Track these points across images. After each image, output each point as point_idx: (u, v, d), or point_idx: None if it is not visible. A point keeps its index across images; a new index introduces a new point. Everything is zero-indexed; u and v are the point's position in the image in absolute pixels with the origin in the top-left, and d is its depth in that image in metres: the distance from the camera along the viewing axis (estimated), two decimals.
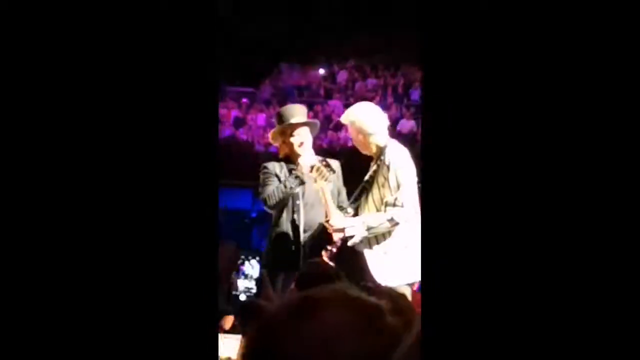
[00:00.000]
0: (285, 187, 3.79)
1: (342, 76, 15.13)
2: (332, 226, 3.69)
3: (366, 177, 3.80)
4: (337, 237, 3.75)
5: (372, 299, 1.13)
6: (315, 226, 3.90)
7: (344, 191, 4.01)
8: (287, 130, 3.91)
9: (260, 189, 3.92)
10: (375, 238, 3.69)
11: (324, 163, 3.72)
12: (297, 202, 3.87)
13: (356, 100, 12.13)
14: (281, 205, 3.84)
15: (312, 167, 3.70)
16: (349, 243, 3.68)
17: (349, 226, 3.64)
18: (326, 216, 3.83)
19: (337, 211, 3.79)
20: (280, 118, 3.98)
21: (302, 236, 3.87)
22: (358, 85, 14.57)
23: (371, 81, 14.62)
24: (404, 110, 13.25)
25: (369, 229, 3.64)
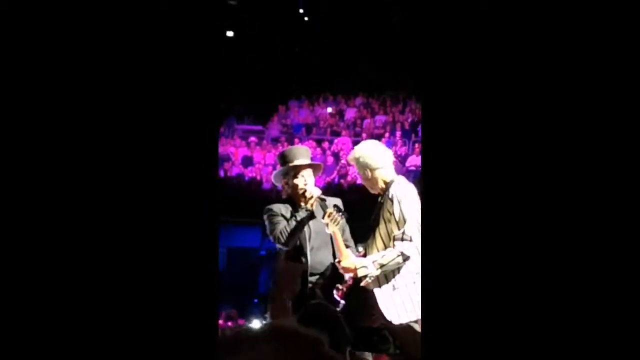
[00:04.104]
0: (296, 220, 3.78)
1: (351, 113, 15.19)
2: (343, 267, 3.67)
3: (373, 215, 3.79)
4: (347, 276, 3.73)
5: (311, 331, 1.17)
6: (321, 269, 3.88)
7: (347, 229, 3.98)
8: (291, 172, 3.90)
9: (268, 230, 3.90)
10: (384, 275, 3.64)
11: (335, 208, 3.76)
12: (305, 244, 3.85)
13: (365, 138, 12.26)
14: (293, 242, 3.81)
15: (324, 214, 3.73)
16: (362, 284, 3.65)
17: (360, 266, 3.59)
18: (334, 257, 3.84)
19: (349, 252, 3.75)
20: (284, 159, 3.96)
21: (309, 279, 3.83)
22: (366, 122, 14.61)
23: (380, 118, 14.67)
24: (412, 146, 13.25)
25: (380, 266, 3.59)
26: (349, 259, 3.67)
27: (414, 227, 3.56)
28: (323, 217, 3.73)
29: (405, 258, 3.57)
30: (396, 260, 3.56)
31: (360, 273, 3.59)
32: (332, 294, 3.74)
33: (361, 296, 3.69)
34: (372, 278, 3.62)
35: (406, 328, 3.56)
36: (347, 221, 3.90)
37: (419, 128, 13.97)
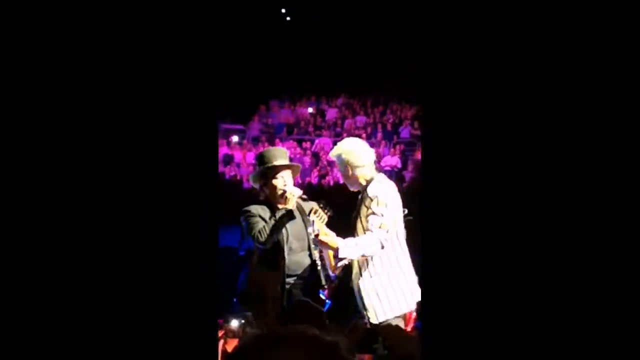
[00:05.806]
0: (275, 219, 3.78)
1: (332, 114, 15.20)
2: (322, 242, 3.64)
3: (354, 212, 3.80)
4: (333, 275, 3.80)
5: (329, 337, 1.16)
6: (299, 270, 3.90)
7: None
8: (269, 172, 3.90)
9: (246, 230, 3.89)
10: (363, 272, 3.68)
11: (320, 205, 3.78)
12: (283, 245, 3.85)
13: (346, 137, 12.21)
14: (272, 241, 3.80)
15: (310, 210, 3.74)
16: (340, 263, 3.67)
17: (342, 246, 3.57)
18: (312, 259, 3.88)
19: (333, 235, 3.76)
20: (262, 160, 3.96)
21: (286, 280, 3.85)
22: (347, 122, 14.62)
23: (360, 118, 14.68)
24: (392, 147, 13.28)
25: (360, 248, 3.59)
26: (331, 237, 3.67)
27: (390, 221, 3.60)
28: (309, 214, 3.73)
29: (381, 246, 3.58)
30: (374, 246, 3.56)
31: (341, 254, 3.58)
32: (319, 294, 3.78)
33: (344, 295, 3.75)
34: (350, 260, 3.65)
35: (395, 328, 3.58)
36: (330, 219, 3.88)
37: (400, 129, 14.03)
